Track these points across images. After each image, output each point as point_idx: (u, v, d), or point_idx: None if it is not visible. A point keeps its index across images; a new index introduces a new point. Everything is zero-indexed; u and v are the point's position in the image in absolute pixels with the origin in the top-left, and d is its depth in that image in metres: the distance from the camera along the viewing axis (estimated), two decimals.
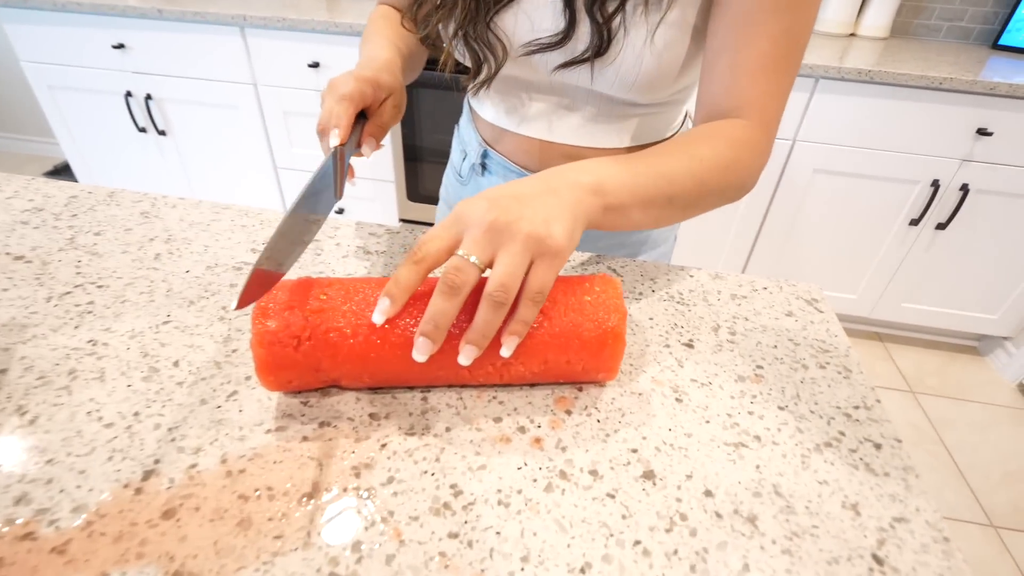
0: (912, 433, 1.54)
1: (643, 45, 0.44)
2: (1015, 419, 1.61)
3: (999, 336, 1.75)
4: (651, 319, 0.44)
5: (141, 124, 1.81)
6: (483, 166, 0.63)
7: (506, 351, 0.32)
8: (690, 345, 0.41)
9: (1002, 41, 1.70)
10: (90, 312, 0.41)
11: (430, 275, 0.33)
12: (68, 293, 0.43)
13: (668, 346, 0.41)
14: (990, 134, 1.39)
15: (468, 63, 0.52)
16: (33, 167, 2.63)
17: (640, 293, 0.47)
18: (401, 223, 1.64)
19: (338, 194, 0.40)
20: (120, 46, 1.66)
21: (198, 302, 0.43)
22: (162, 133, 1.82)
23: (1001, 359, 1.77)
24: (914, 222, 1.56)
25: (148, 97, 1.74)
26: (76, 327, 0.40)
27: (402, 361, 0.33)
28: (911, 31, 1.80)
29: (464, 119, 0.67)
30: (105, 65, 1.71)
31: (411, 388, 0.36)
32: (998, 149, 1.42)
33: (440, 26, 0.50)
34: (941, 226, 1.55)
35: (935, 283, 1.67)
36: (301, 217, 0.35)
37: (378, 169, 1.77)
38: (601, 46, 0.44)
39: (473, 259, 0.30)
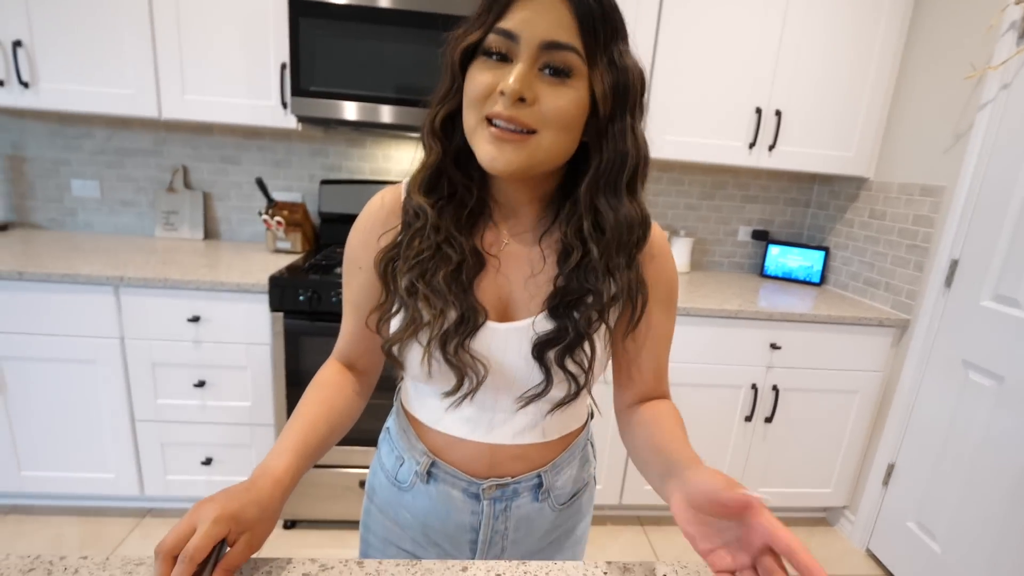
0: None
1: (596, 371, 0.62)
2: None
3: (838, 506, 2.02)
4: None
5: None
6: (429, 474, 0.66)
7: None
8: None
9: (765, 272, 2.29)
10: None
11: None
12: None
13: None
14: (780, 347, 1.79)
15: (442, 383, 0.59)
16: None
17: None
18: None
19: None
20: None
21: None
22: None
23: (846, 527, 2.01)
24: (748, 418, 1.86)
25: None
26: None
27: None
28: (705, 266, 2.36)
29: (397, 427, 0.71)
30: None
31: None
32: (788, 358, 1.82)
33: (408, 348, 0.58)
34: (768, 420, 1.86)
35: (778, 467, 1.93)
36: None
37: (255, 411, 1.70)
38: (579, 391, 0.59)
39: None
